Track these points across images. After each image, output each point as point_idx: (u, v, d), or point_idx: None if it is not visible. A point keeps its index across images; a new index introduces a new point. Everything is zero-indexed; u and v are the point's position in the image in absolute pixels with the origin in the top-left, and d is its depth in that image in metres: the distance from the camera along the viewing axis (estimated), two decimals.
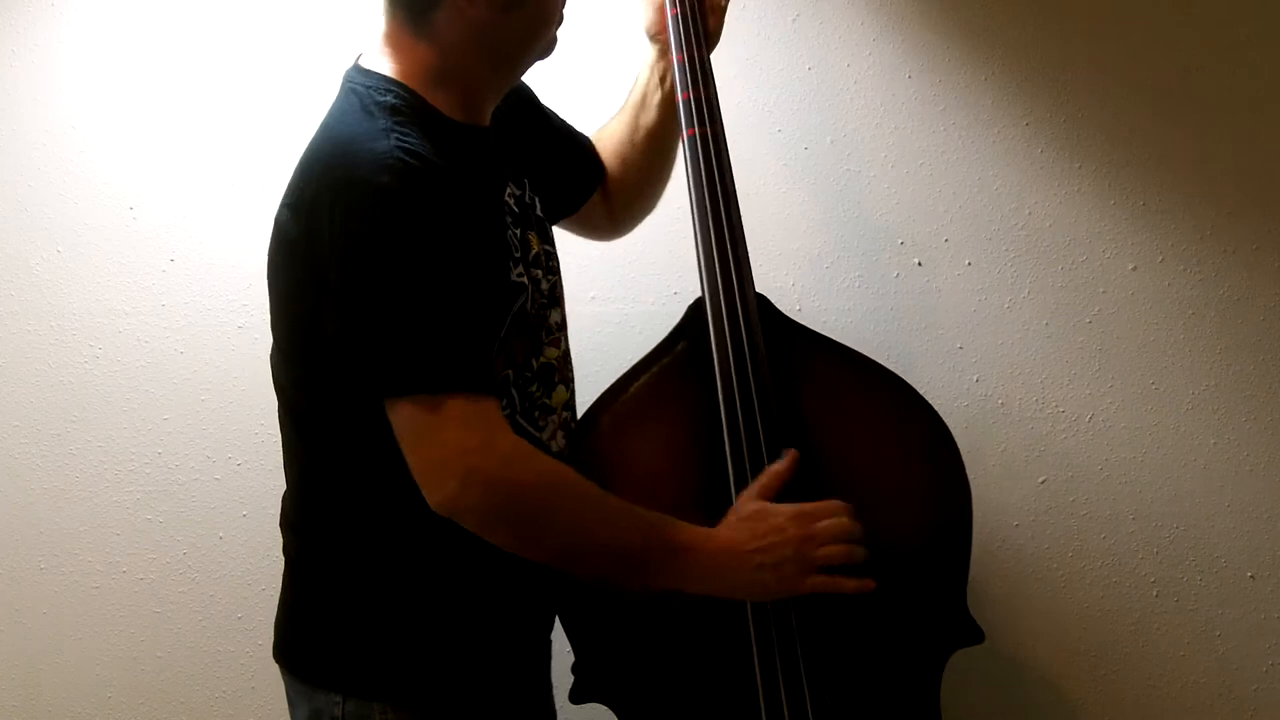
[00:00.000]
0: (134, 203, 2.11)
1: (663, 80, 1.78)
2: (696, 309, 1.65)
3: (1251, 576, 2.05)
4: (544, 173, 1.71)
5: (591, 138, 1.86)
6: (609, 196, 1.86)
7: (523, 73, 1.63)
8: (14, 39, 2.10)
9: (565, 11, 1.58)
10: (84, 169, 2.11)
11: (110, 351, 2.14)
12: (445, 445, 1.41)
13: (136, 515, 2.17)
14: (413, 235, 1.40)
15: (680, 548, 1.47)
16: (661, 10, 1.75)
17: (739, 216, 1.66)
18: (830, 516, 1.51)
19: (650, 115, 1.80)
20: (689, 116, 1.68)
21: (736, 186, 1.67)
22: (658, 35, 1.77)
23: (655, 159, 1.83)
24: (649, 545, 1.47)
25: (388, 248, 1.40)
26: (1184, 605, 2.06)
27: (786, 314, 1.68)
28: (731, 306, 1.62)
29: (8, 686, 2.22)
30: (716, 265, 1.63)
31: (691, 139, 1.67)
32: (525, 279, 1.56)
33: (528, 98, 1.77)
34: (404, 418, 1.43)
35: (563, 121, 1.83)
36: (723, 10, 1.80)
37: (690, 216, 1.67)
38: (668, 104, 1.77)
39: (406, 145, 1.43)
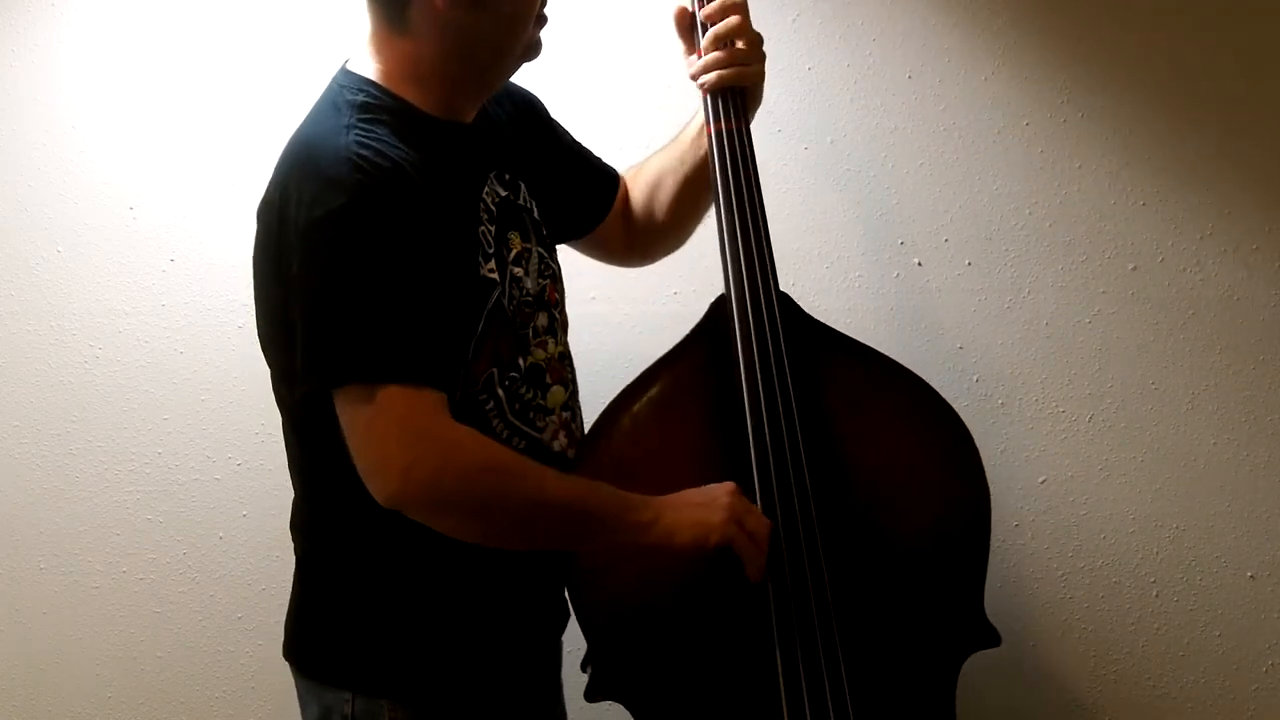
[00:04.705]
0: (134, 203, 2.11)
1: None
2: (719, 306, 1.63)
3: (1251, 576, 2.05)
4: (548, 188, 1.70)
5: (637, 164, 1.83)
6: (631, 223, 1.83)
7: (504, 74, 1.61)
8: (14, 39, 2.10)
9: (549, 12, 1.57)
10: (84, 169, 2.11)
11: (110, 351, 2.14)
12: (385, 439, 1.41)
13: (136, 515, 2.17)
14: (357, 229, 1.41)
15: (624, 494, 1.49)
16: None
17: (764, 213, 1.64)
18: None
19: (702, 148, 1.72)
20: (715, 111, 1.66)
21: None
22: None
23: (696, 190, 1.76)
24: (600, 500, 1.49)
25: (334, 240, 1.42)
26: (1184, 605, 2.06)
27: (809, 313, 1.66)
28: (756, 303, 1.60)
29: (8, 686, 2.22)
30: (742, 262, 1.61)
31: (718, 134, 1.65)
32: (497, 275, 1.56)
33: (536, 109, 1.76)
34: (343, 409, 1.43)
35: (575, 142, 1.81)
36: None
37: (714, 213, 1.65)
38: None
39: (363, 140, 1.45)
